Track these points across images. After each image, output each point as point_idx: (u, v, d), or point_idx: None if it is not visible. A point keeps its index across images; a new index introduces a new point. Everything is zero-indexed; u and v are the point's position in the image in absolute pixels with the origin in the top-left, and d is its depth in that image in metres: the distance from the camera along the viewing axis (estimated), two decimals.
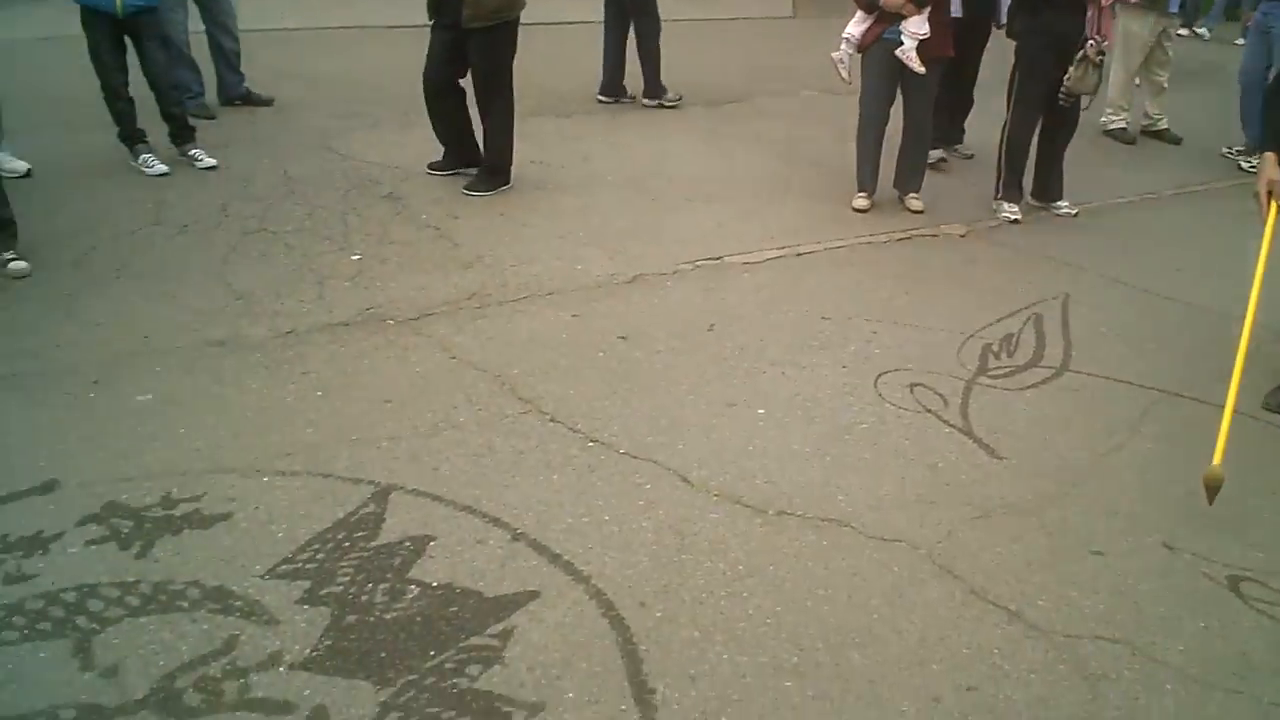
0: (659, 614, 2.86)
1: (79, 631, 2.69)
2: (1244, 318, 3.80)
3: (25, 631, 2.69)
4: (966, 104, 7.34)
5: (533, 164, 6.53)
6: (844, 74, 6.11)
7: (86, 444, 3.48)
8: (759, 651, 2.75)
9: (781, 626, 2.84)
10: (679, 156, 7.00)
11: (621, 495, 3.36)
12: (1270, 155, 3.90)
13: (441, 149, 6.20)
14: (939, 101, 6.45)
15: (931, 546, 3.22)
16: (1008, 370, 4.38)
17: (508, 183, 6.08)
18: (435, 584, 2.92)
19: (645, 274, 5.10)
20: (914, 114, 6.10)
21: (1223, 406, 3.56)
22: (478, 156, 6.14)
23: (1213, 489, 3.39)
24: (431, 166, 6.18)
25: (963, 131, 7.47)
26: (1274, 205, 3.86)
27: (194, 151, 5.99)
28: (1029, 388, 4.24)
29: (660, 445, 3.65)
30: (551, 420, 3.76)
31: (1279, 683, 2.76)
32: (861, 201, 6.21)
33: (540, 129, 7.23)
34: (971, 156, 7.28)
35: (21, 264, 4.63)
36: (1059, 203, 6.46)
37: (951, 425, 3.93)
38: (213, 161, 5.97)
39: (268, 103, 7.34)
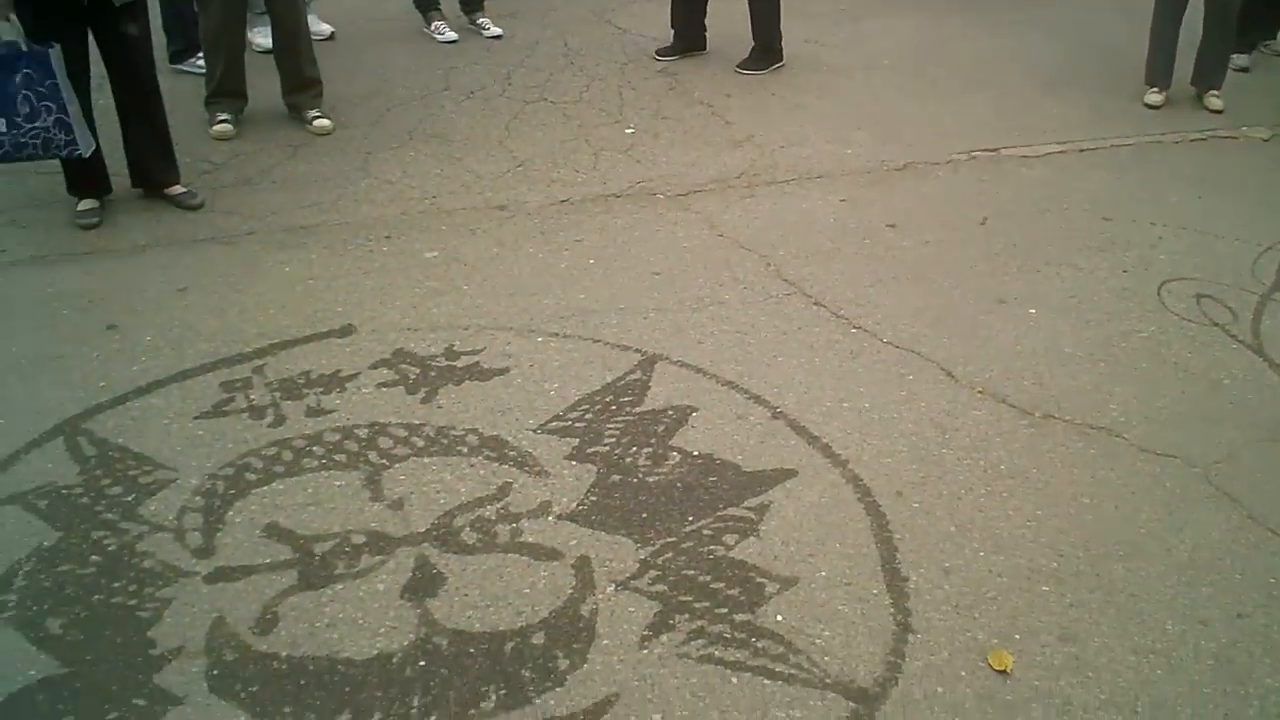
0: (915, 505, 2.87)
1: (370, 465, 2.96)
2: None
3: (324, 460, 2.98)
4: None
5: (808, 44, 6.41)
6: None
7: (379, 294, 3.76)
8: (1016, 552, 2.73)
9: (1042, 530, 2.81)
10: (961, 40, 6.69)
11: (883, 384, 3.36)
12: None
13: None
14: None
15: (1209, 466, 3.07)
16: None
17: (780, 60, 6.00)
18: (696, 453, 3.03)
19: (917, 162, 4.97)
20: (1215, 2, 5.54)
21: None
22: (703, 43, 6.05)
23: None
24: (659, 52, 6.11)
25: (1278, 27, 6.68)
26: None
27: (482, 20, 6.20)
28: None
29: (924, 337, 3.61)
30: (816, 304, 3.78)
31: None
32: (1155, 97, 5.76)
33: (818, 7, 7.05)
34: None
35: (325, 121, 4.99)
36: None
37: (1240, 341, 3.69)
38: (499, 31, 6.18)
39: None
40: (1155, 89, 5.80)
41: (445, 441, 3.06)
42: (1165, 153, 5.29)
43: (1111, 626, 2.54)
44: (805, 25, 6.64)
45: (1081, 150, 5.24)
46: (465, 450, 3.03)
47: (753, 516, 2.81)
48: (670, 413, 3.19)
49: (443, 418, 3.15)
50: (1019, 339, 3.63)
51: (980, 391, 3.35)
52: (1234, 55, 6.17)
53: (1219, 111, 5.71)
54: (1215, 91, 5.76)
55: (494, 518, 2.79)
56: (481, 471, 2.95)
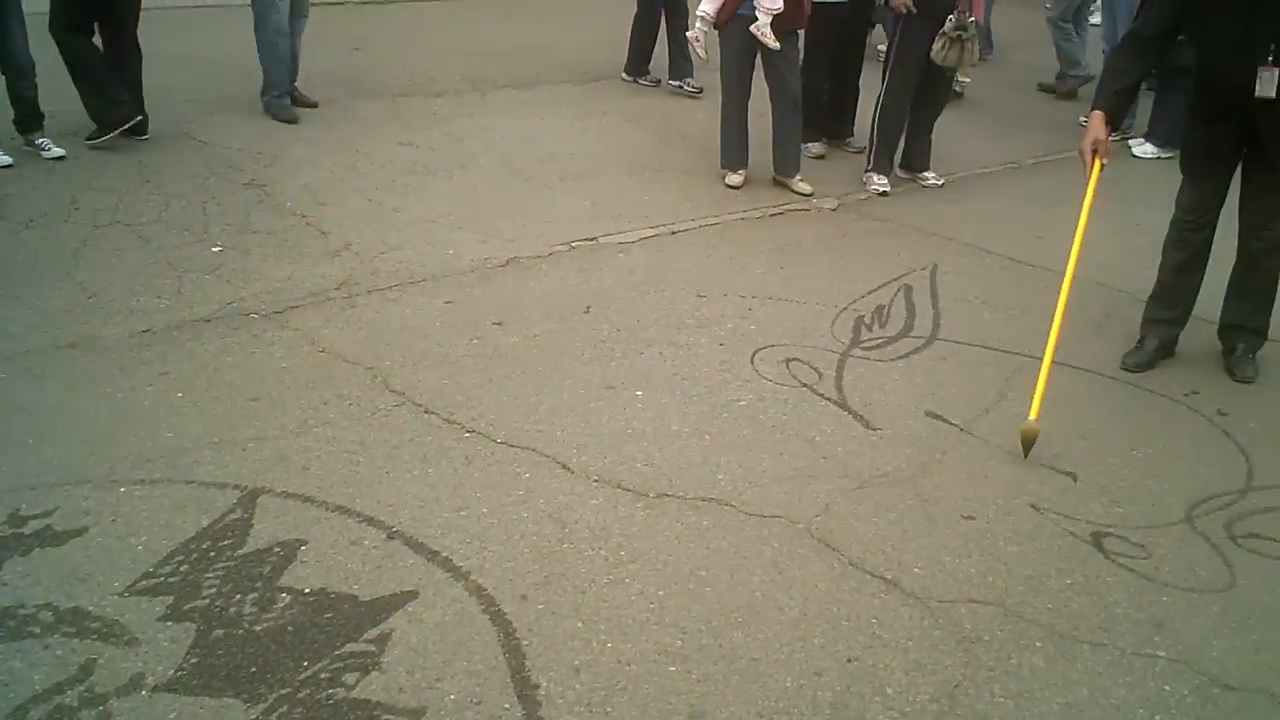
0: (541, 606, 2.82)
1: None
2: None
3: None
4: (851, 96, 7.14)
5: (403, 146, 6.39)
6: (701, 53, 6.12)
7: None
8: (643, 637, 2.74)
9: (664, 610, 2.84)
10: (552, 135, 6.93)
11: (500, 486, 3.31)
12: (1098, 114, 4.00)
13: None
14: (820, 94, 6.50)
15: (809, 520, 3.25)
16: (880, 341, 4.45)
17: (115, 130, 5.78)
18: (308, 590, 2.83)
19: (519, 257, 5.04)
20: (779, 91, 6.08)
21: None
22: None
23: (1028, 443, 3.61)
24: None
25: (851, 124, 7.24)
26: (1097, 163, 3.98)
27: (41, 141, 5.66)
28: (901, 358, 4.32)
29: (538, 432, 3.61)
30: (426, 412, 3.69)
31: (1140, 633, 2.86)
32: (734, 178, 6.22)
33: (410, 110, 7.07)
34: (862, 150, 6.74)
35: None
36: (926, 174, 6.59)
37: (826, 398, 3.97)
38: (61, 151, 5.65)
39: None
40: (734, 171, 6.25)
41: (13, 624, 2.67)
42: (749, 228, 5.70)
43: (737, 694, 2.59)
44: (400, 128, 6.63)
45: (674, 233, 5.53)
46: (38, 630, 2.65)
47: (374, 649, 2.65)
48: (277, 550, 2.97)
49: (8, 596, 2.75)
50: (629, 422, 3.72)
51: (596, 480, 3.38)
52: (811, 144, 6.77)
53: (808, 194, 6.17)
54: (797, 176, 6.24)
55: (76, 704, 2.45)
56: (59, 652, 2.59)
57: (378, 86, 7.47)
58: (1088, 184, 3.97)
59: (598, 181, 6.17)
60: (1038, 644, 2.81)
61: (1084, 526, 3.30)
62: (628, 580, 2.94)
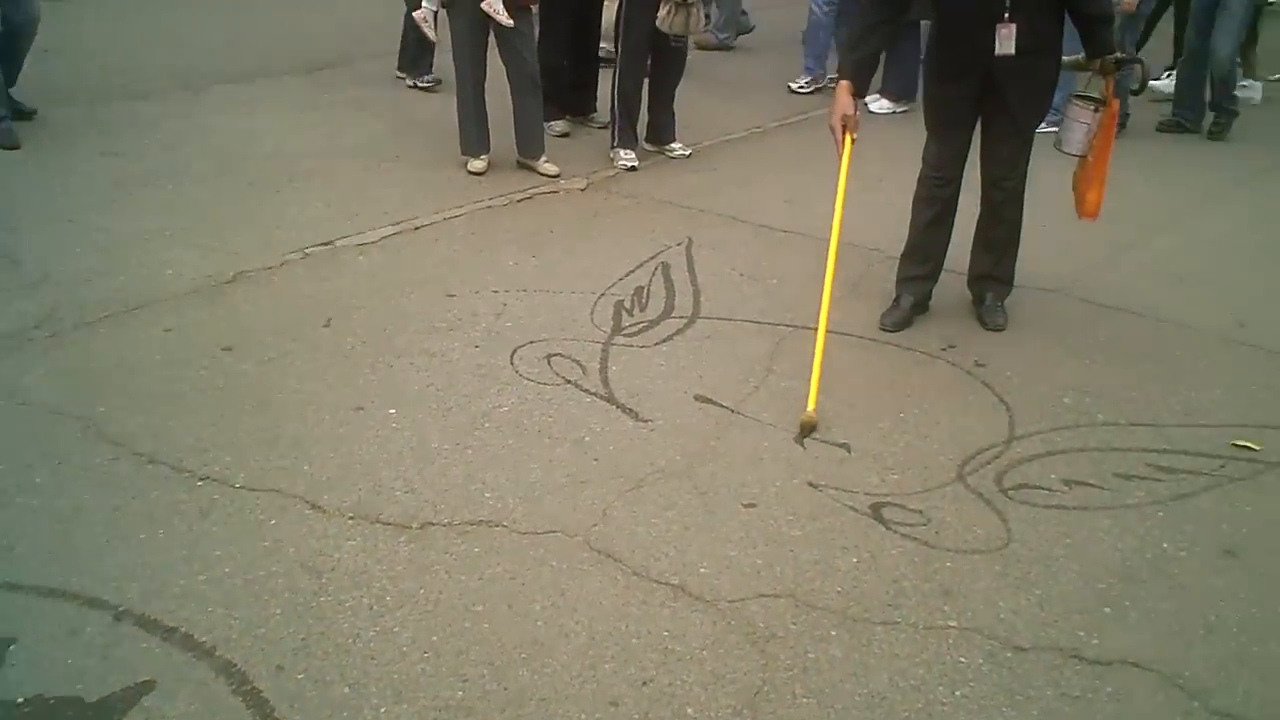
0: (301, 675, 2.51)
1: None
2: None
3: None
4: (592, 70, 6.96)
5: (105, 156, 5.78)
6: (431, 34, 5.82)
7: None
8: (419, 695, 2.48)
9: (441, 659, 2.58)
10: (276, 133, 6.44)
11: (242, 539, 2.96)
12: (844, 84, 3.95)
13: None
14: (559, 69, 6.29)
15: (587, 531, 3.07)
16: (642, 325, 4.30)
17: None
18: (21, 700, 2.41)
19: (247, 270, 4.60)
20: (516, 69, 5.83)
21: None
22: None
23: (806, 431, 3.56)
24: None
25: (594, 99, 7.06)
26: (849, 139, 3.94)
27: None
28: (665, 341, 4.19)
29: (282, 470, 3.26)
30: (150, 462, 3.27)
31: (929, 605, 2.82)
32: (477, 165, 5.94)
33: (113, 115, 6.41)
34: (607, 126, 6.59)
35: None
36: (673, 145, 6.50)
37: (593, 393, 3.80)
38: None
39: None
40: (476, 158, 5.96)
41: None
42: (496, 217, 5.44)
43: None
44: (100, 137, 6.00)
45: (417, 228, 5.22)
46: None
47: None
48: None
49: None
50: (383, 446, 3.42)
51: (352, 517, 3.08)
52: (554, 122, 6.57)
53: (555, 176, 5.96)
54: (543, 159, 6.01)
55: None
56: None
57: (74, 91, 6.76)
58: (840, 160, 3.93)
59: (330, 179, 5.76)
60: (832, 633, 2.73)
61: (863, 499, 3.26)
62: (397, 630, 2.67)
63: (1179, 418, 3.71)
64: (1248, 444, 3.53)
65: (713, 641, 2.68)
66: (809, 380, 3.68)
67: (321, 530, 3.02)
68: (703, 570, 2.93)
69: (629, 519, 3.13)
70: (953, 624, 2.77)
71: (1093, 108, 3.99)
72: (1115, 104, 3.95)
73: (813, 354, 3.70)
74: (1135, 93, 4.92)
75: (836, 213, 3.89)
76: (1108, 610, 2.81)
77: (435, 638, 2.65)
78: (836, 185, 3.93)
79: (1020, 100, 3.98)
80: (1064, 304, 4.60)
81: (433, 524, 3.08)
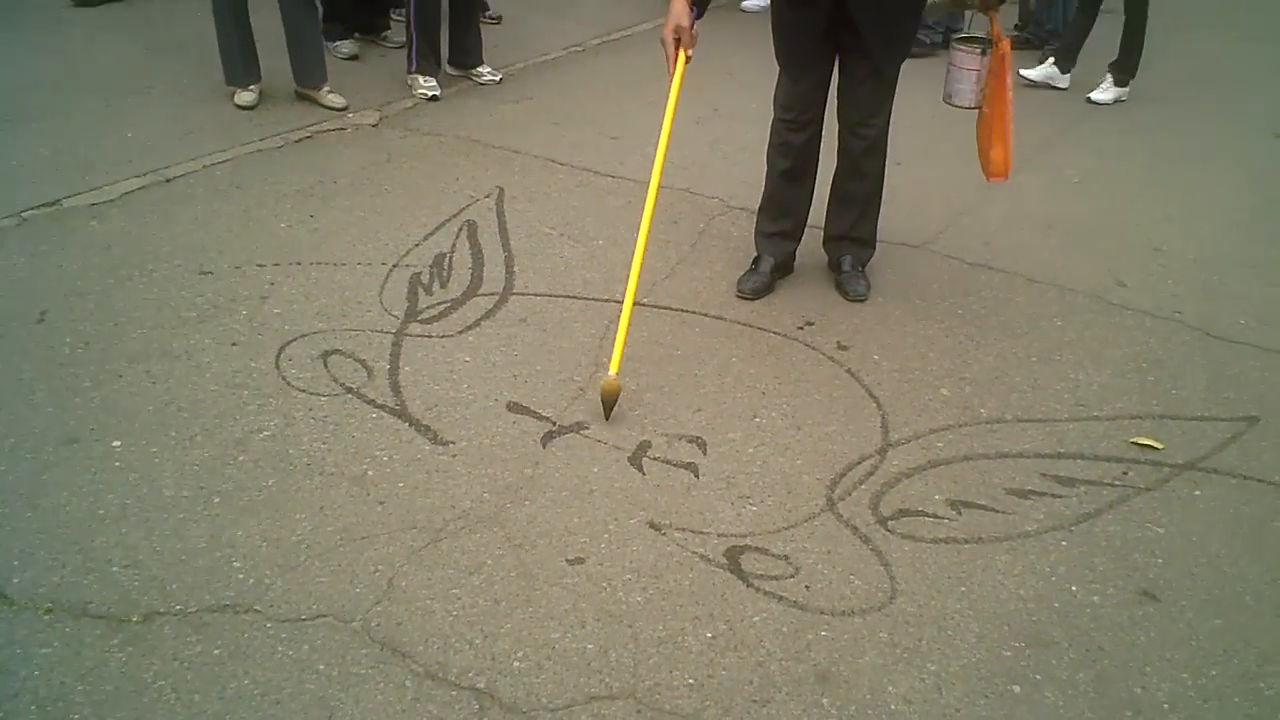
0: None
1: None
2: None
3: None
4: None
5: None
6: None
7: None
8: None
9: None
10: None
11: None
12: None
13: None
14: None
15: (367, 614, 2.36)
16: (443, 307, 3.55)
17: None
18: None
19: None
20: None
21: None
22: None
23: (609, 403, 3.01)
24: None
25: (388, 14, 6.24)
26: (682, 55, 3.23)
27: None
28: (470, 328, 3.45)
29: None
30: None
31: (805, 697, 2.23)
32: (245, 96, 5.00)
33: None
34: (403, 47, 5.64)
35: None
36: (480, 69, 5.67)
37: (380, 406, 3.05)
38: None
39: None
40: (243, 89, 5.01)
41: None
42: (269, 163, 4.55)
43: None
44: None
45: (169, 180, 4.31)
46: None
47: None
48: None
49: None
50: (100, 496, 2.61)
51: (49, 609, 2.29)
52: (340, 43, 5.68)
53: (341, 109, 5.08)
54: (325, 87, 5.11)
55: None
56: None
57: None
58: (671, 80, 3.21)
59: (62, 119, 4.75)
60: None
61: (715, 544, 2.63)
62: None
63: (1069, 409, 3.21)
64: (1149, 441, 3.06)
65: None
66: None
67: (7, 631, 2.23)
68: (517, 665, 2.26)
69: (423, 590, 2.43)
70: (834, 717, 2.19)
71: (979, 50, 3.38)
72: (1005, 44, 3.33)
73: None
74: (1018, 29, 4.31)
75: (660, 149, 3.19)
76: (1017, 690, 2.28)
77: None
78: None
79: (875, 33, 3.32)
80: (929, 263, 4.04)
81: (160, 613, 2.32)
